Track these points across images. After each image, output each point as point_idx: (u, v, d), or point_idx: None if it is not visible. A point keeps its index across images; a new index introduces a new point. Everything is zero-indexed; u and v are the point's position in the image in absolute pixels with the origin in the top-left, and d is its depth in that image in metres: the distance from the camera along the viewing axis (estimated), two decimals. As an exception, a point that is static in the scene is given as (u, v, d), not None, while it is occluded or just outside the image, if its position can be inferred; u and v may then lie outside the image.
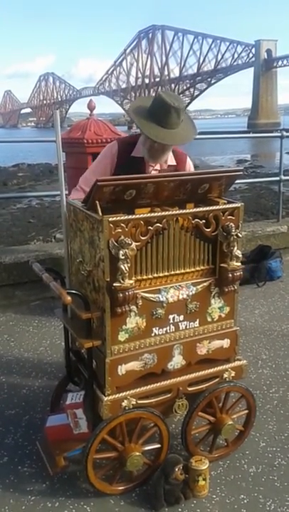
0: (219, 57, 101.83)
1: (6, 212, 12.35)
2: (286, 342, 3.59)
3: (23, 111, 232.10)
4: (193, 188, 2.08)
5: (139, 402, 2.06)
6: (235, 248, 2.09)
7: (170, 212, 1.99)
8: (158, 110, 2.21)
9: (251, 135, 18.58)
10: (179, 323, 2.11)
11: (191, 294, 2.10)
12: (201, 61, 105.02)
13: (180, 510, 2.08)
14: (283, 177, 5.93)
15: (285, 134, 5.75)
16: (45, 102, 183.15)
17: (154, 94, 2.47)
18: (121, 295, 1.87)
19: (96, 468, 2.10)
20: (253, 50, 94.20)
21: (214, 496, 2.15)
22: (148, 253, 1.99)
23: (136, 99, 3.43)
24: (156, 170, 2.44)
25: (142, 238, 1.92)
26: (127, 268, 1.86)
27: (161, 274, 2.04)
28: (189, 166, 2.57)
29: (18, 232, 9.91)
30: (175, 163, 2.47)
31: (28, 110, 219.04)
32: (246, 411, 2.41)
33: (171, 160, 2.46)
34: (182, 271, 2.08)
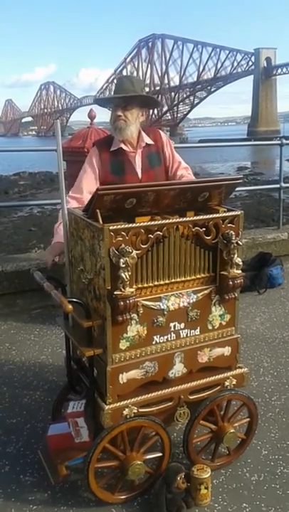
0: (219, 65, 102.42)
1: (7, 221, 12.40)
2: (288, 349, 3.59)
3: (24, 120, 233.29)
4: (194, 196, 2.09)
5: (140, 410, 2.06)
6: (236, 256, 2.10)
7: (170, 221, 2.00)
8: (114, 86, 2.52)
9: (251, 143, 18.67)
10: (180, 331, 2.11)
11: (191, 301, 2.10)
12: (200, 69, 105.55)
13: (182, 519, 2.07)
14: (283, 184, 5.95)
15: (284, 141, 5.78)
16: (46, 110, 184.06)
17: None
18: (122, 303, 1.87)
19: (98, 477, 2.10)
20: (253, 59, 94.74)
21: (216, 505, 2.14)
22: (148, 261, 1.99)
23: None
24: (136, 153, 2.55)
25: (143, 246, 1.93)
26: (127, 276, 1.87)
27: (161, 282, 2.05)
28: (165, 140, 2.66)
29: (19, 240, 9.94)
30: (152, 142, 2.60)
31: (29, 119, 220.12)
32: (248, 419, 2.41)
33: (147, 139, 2.58)
34: (183, 279, 2.09)
